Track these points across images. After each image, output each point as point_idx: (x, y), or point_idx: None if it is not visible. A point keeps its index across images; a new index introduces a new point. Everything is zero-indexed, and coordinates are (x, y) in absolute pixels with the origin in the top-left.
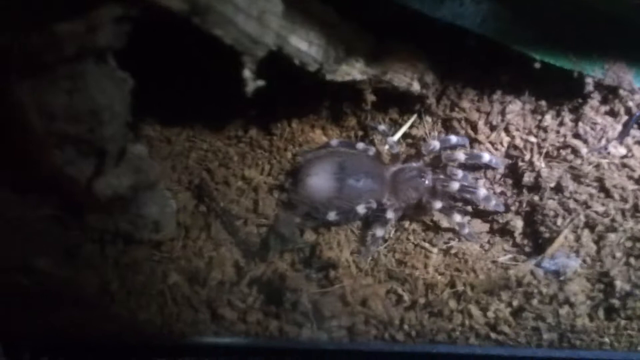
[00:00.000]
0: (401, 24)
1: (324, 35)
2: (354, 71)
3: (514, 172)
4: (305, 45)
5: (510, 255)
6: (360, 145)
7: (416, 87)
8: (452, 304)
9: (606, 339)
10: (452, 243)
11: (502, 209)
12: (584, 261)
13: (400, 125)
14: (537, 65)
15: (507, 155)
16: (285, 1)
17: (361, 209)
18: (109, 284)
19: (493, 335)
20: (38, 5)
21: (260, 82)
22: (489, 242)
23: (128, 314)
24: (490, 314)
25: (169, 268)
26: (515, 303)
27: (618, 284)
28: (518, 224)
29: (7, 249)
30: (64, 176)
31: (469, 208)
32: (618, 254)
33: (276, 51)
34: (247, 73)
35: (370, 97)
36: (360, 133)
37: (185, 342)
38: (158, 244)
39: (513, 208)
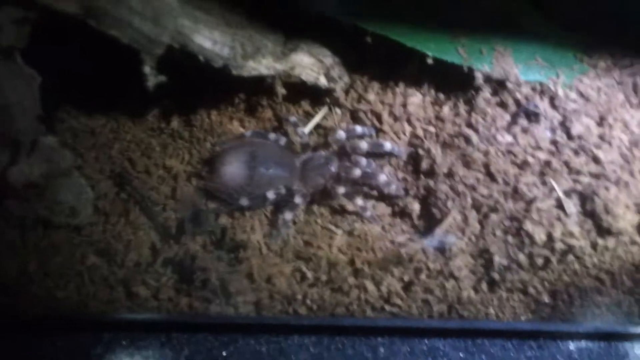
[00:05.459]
0: (310, 24)
1: (230, 34)
2: (261, 67)
3: (414, 159)
4: (209, 44)
5: (407, 236)
6: (272, 136)
7: (323, 81)
8: (351, 280)
9: (491, 310)
10: (356, 225)
11: (401, 192)
12: (470, 239)
13: (312, 117)
14: (430, 60)
15: (410, 143)
16: (189, 3)
17: (271, 195)
18: (27, 265)
19: (387, 307)
20: None
21: (161, 78)
22: (390, 223)
23: (46, 293)
24: (383, 289)
25: (88, 250)
26: (406, 278)
27: (496, 259)
28: (415, 206)
29: None
30: None
31: (375, 193)
32: (498, 232)
33: (179, 49)
34: (147, 69)
35: (281, 91)
36: (275, 124)
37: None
38: (78, 228)
39: (412, 192)
